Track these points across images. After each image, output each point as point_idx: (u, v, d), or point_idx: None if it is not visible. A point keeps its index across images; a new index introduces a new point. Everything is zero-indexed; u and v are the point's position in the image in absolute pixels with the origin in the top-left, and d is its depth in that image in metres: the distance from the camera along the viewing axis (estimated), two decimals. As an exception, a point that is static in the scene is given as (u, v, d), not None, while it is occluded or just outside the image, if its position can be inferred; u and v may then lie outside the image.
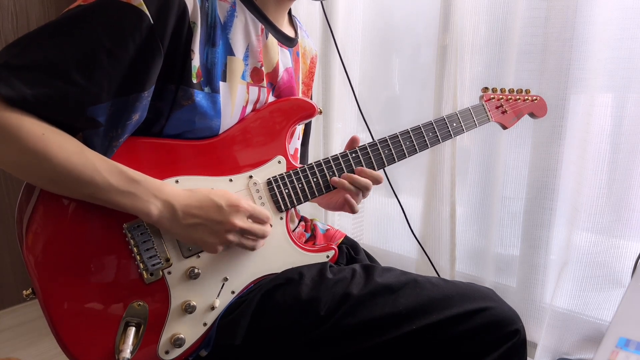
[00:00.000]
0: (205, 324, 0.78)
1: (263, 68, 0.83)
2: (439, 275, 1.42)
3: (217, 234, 0.72)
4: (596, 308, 1.23)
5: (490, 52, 1.31)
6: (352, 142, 0.91)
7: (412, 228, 1.30)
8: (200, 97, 0.74)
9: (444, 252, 1.46)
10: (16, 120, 0.63)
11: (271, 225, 0.83)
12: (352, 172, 0.88)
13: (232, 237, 0.73)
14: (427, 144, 0.93)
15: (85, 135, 0.68)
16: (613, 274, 1.21)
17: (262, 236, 0.77)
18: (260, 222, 0.76)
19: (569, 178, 1.23)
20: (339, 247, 1.01)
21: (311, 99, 1.07)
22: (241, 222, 0.73)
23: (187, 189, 0.73)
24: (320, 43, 1.64)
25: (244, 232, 0.74)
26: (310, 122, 1.10)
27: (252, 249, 0.77)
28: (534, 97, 1.07)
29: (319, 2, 0.92)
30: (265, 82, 0.84)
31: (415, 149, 0.92)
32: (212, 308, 0.78)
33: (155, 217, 0.69)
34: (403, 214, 1.31)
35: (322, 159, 0.86)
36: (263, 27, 0.82)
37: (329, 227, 1.07)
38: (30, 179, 0.69)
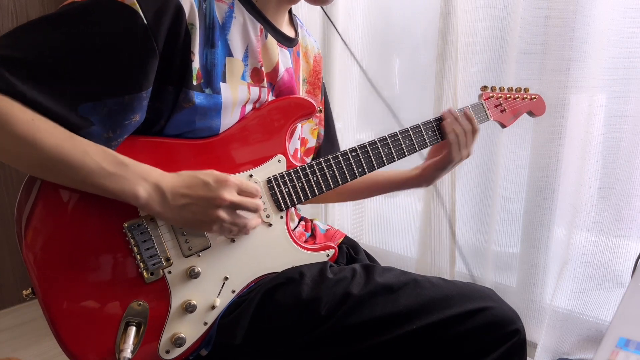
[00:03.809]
0: (205, 323, 0.78)
1: (263, 68, 0.83)
2: (473, 278, 1.41)
3: (207, 210, 0.71)
4: (596, 308, 1.23)
5: (490, 52, 1.31)
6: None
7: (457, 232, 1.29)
8: (200, 98, 0.74)
9: (444, 252, 1.46)
10: (5, 106, 0.62)
11: (269, 219, 0.83)
12: (352, 170, 0.88)
13: (223, 213, 0.72)
14: (426, 142, 0.93)
15: (80, 134, 0.67)
16: (613, 274, 1.21)
17: (255, 209, 0.75)
18: (250, 195, 0.75)
19: (569, 178, 1.23)
20: (339, 247, 1.01)
21: (321, 99, 1.06)
22: (230, 195, 0.72)
23: (174, 172, 0.72)
24: (320, 43, 1.64)
25: (235, 207, 0.73)
26: (330, 114, 1.10)
27: (245, 227, 0.76)
28: (533, 96, 1.07)
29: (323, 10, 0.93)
30: (265, 82, 0.84)
31: (415, 147, 0.92)
32: (213, 307, 0.78)
33: (144, 200, 0.68)
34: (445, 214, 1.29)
35: (322, 158, 0.86)
36: (262, 27, 0.82)
37: (329, 227, 1.07)
38: (20, 165, 0.68)
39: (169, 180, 0.70)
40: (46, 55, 0.64)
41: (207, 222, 0.72)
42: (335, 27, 1.02)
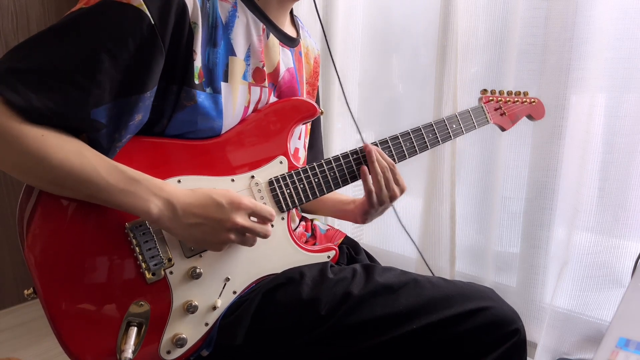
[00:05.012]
0: (206, 324, 0.78)
1: (265, 68, 0.83)
2: (433, 273, 1.42)
3: (218, 232, 0.72)
4: (596, 308, 1.24)
5: (490, 52, 1.31)
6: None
7: (403, 225, 1.28)
8: (202, 97, 0.75)
9: (444, 252, 1.46)
10: (17, 123, 0.63)
11: (272, 226, 0.83)
12: (353, 172, 0.88)
13: (233, 235, 0.73)
14: (427, 145, 0.93)
15: (90, 136, 0.68)
16: (613, 274, 1.21)
17: (264, 236, 0.76)
18: (263, 220, 0.76)
19: (569, 178, 1.24)
20: (340, 247, 1.01)
21: (317, 99, 1.07)
22: (242, 220, 0.72)
23: (188, 189, 0.73)
24: (321, 43, 1.64)
25: (245, 231, 0.74)
26: (319, 123, 1.11)
27: (251, 245, 0.77)
28: (532, 100, 1.08)
29: (315, 5, 0.93)
30: (267, 82, 0.84)
31: (416, 150, 0.92)
32: (214, 308, 0.78)
33: (155, 216, 0.69)
34: (396, 216, 1.30)
35: (324, 160, 0.86)
36: (264, 27, 0.82)
37: (329, 227, 1.07)
38: (31, 180, 0.69)
39: (182, 197, 0.71)
40: (58, 64, 0.64)
41: (216, 243, 0.73)
42: (324, 33, 1.01)
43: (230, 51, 0.78)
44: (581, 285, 1.24)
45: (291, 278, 0.80)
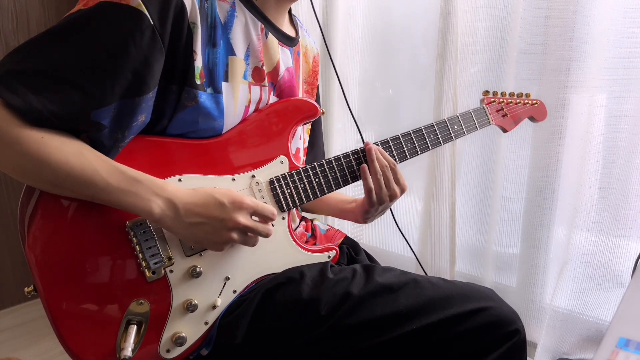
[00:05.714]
0: (206, 323, 0.78)
1: (264, 67, 0.83)
2: (426, 273, 1.42)
3: (219, 232, 0.72)
4: (596, 308, 1.24)
5: (490, 52, 1.31)
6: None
7: (398, 225, 1.28)
8: (204, 97, 0.75)
9: (444, 252, 1.46)
10: (17, 125, 0.63)
11: (273, 225, 0.83)
12: (354, 172, 0.88)
13: (235, 235, 0.73)
14: (428, 145, 0.93)
15: (91, 136, 0.68)
16: (613, 274, 1.21)
17: (266, 235, 0.76)
18: (264, 219, 0.76)
19: (569, 178, 1.23)
20: (340, 247, 1.01)
21: (317, 98, 1.07)
22: (244, 219, 0.72)
23: (190, 188, 0.73)
24: (320, 43, 1.64)
25: (247, 230, 0.74)
26: (319, 123, 1.11)
27: (253, 245, 0.77)
28: (534, 101, 1.08)
29: (312, 6, 0.93)
30: (266, 81, 0.84)
31: (417, 150, 0.92)
32: (214, 307, 0.78)
33: (157, 216, 0.69)
34: (392, 216, 1.30)
35: (325, 159, 0.86)
36: (263, 26, 0.82)
37: (329, 227, 1.07)
38: (32, 182, 0.69)
39: (184, 196, 0.71)
40: (57, 66, 0.64)
41: (218, 242, 0.73)
42: (322, 34, 1.00)
43: (230, 51, 0.78)
44: (581, 285, 1.24)
45: (291, 278, 0.81)
